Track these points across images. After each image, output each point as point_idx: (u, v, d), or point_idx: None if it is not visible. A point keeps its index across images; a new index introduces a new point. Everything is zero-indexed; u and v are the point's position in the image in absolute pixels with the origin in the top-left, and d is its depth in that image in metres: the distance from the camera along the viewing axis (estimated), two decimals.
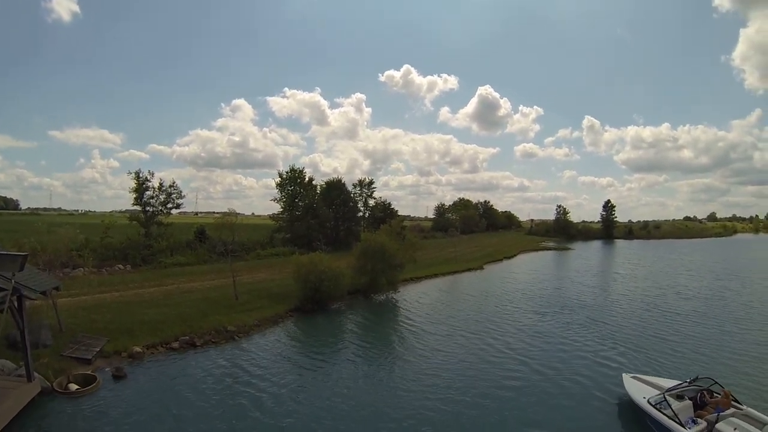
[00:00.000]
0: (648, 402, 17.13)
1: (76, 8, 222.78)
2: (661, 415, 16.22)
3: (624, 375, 20.26)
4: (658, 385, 18.56)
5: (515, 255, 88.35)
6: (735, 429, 14.67)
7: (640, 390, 18.31)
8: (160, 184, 60.30)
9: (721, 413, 15.63)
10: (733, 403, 16.43)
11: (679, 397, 16.95)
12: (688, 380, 17.97)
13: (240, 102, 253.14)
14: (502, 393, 19.81)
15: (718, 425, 15.09)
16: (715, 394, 17.15)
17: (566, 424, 17.05)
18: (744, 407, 16.15)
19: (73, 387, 18.98)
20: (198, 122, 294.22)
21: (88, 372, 20.35)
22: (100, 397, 18.47)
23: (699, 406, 16.71)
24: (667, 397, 16.71)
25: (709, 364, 23.31)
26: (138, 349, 23.52)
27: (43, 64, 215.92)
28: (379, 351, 26.36)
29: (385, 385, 20.75)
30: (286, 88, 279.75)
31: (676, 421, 15.56)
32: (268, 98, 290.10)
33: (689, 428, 15.32)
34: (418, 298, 41.82)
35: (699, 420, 15.74)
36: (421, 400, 18.85)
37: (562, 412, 17.90)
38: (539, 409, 18.13)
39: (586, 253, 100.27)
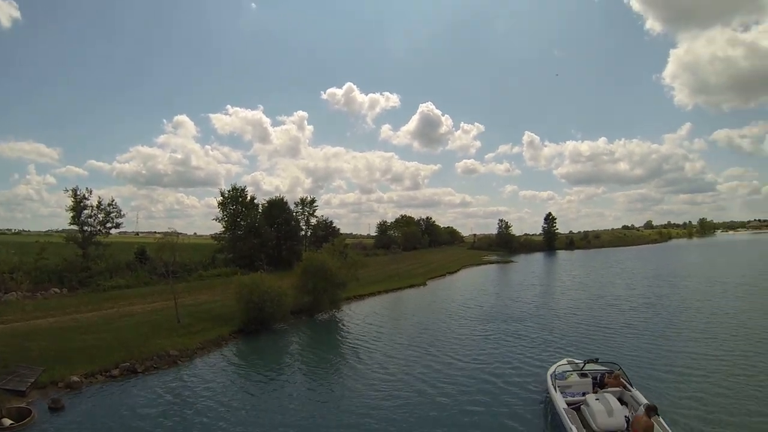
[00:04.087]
0: (550, 375, 19.96)
1: (16, 14, 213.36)
2: (549, 384, 19.23)
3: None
4: (575, 364, 21.27)
5: (458, 270, 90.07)
6: (597, 399, 16.66)
7: (559, 367, 21.07)
8: (99, 202, 58.21)
9: (601, 390, 18.07)
10: (624, 384, 18.57)
11: (583, 375, 19.76)
12: (585, 360, 20.84)
13: (182, 118, 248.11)
14: (443, 401, 20.63)
15: (588, 397, 17.20)
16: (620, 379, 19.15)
17: (502, 421, 18.41)
18: (633, 390, 17.99)
19: (7, 422, 18.31)
20: (139, 138, 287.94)
21: (23, 405, 19.75)
22: None
23: (599, 385, 19.12)
24: (568, 371, 20.05)
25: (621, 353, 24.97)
26: (76, 378, 22.99)
27: None
28: (324, 370, 26.74)
29: (329, 403, 21.08)
30: (228, 105, 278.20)
31: (554, 389, 18.44)
32: (211, 115, 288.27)
33: (565, 397, 17.93)
34: (361, 316, 42.42)
35: (583, 393, 18.19)
36: (365, 416, 19.28)
37: (498, 414, 19.10)
38: (479, 415, 19.07)
39: (529, 266, 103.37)
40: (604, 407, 16.06)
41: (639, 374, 22.02)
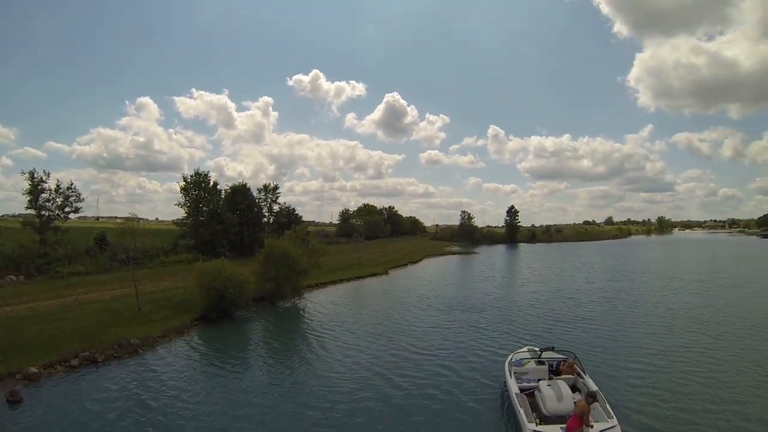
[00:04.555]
0: (508, 362, 20.98)
1: None
2: (506, 370, 20.20)
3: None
4: (534, 351, 22.12)
5: (420, 260, 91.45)
6: (549, 385, 17.62)
7: (517, 354, 22.16)
8: (58, 185, 57.19)
9: (555, 378, 19.02)
10: (578, 371, 19.64)
11: (540, 363, 20.60)
12: (542, 348, 22.07)
13: (145, 100, 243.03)
14: (404, 391, 21.23)
15: (541, 383, 18.16)
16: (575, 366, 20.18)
17: (460, 407, 19.30)
18: (585, 378, 19.00)
19: None
20: (100, 120, 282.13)
21: None
22: None
23: (555, 372, 20.13)
24: (525, 359, 21.00)
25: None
26: (34, 369, 22.82)
27: None
28: (286, 358, 27.12)
29: (291, 393, 21.40)
30: (193, 89, 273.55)
31: (509, 375, 19.50)
32: (175, 98, 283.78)
33: (521, 383, 18.85)
34: (322, 304, 42.98)
35: (539, 380, 19.03)
36: (327, 407, 19.55)
37: (456, 402, 19.92)
38: (439, 403, 19.82)
39: (490, 257, 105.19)
40: (555, 393, 16.96)
41: (593, 364, 23.31)
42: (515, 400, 17.20)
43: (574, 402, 16.11)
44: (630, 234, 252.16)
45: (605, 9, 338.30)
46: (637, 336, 31.04)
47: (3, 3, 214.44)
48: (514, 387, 18.31)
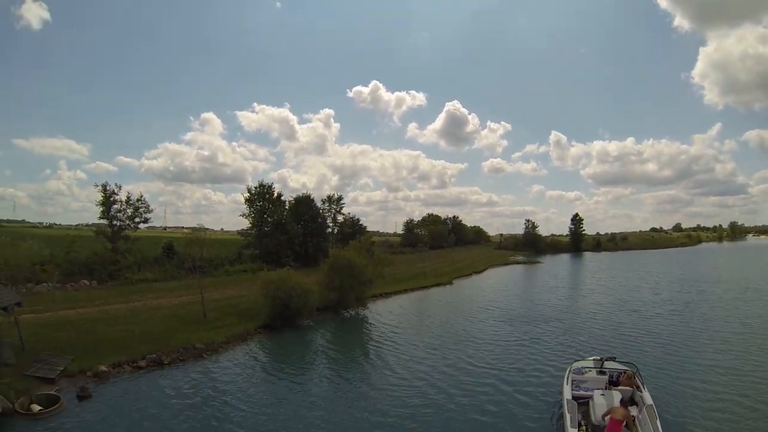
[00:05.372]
0: (569, 370, 20.62)
1: (46, 15, 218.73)
2: (564, 377, 19.89)
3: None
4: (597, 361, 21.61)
5: (484, 270, 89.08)
6: (602, 395, 17.28)
7: (581, 363, 21.87)
8: (128, 197, 59.17)
9: (612, 388, 18.64)
10: (636, 384, 19.00)
11: (601, 373, 20.39)
12: (604, 357, 21.60)
13: (209, 116, 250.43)
14: (466, 401, 20.56)
15: (596, 392, 17.78)
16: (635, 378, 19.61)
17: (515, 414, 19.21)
18: (643, 391, 18.22)
19: (36, 408, 18.56)
20: (166, 135, 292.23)
21: (52, 392, 19.99)
22: (64, 418, 18.16)
23: (615, 383, 19.66)
24: (587, 368, 20.83)
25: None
26: (103, 368, 23.19)
27: (10, 71, 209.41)
28: (347, 368, 26.52)
29: (351, 401, 20.93)
30: (255, 103, 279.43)
31: (566, 382, 19.21)
32: (237, 113, 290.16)
33: (578, 391, 18.77)
34: (387, 314, 42.15)
35: (596, 389, 18.45)
36: (388, 413, 19.16)
37: (513, 409, 19.64)
38: (496, 414, 19.19)
39: (555, 267, 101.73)
40: (607, 403, 16.60)
41: (656, 380, 22.16)
42: (565, 407, 17.02)
43: (613, 408, 15.77)
44: (700, 241, 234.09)
45: (663, 3, 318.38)
46: (707, 353, 28.36)
47: (78, 31, 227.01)
48: (567, 394, 18.17)
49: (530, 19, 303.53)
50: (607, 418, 15.32)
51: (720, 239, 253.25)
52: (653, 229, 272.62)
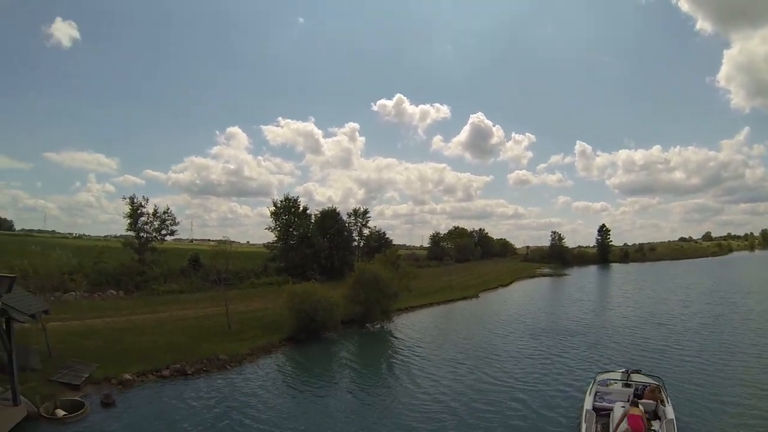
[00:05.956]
0: (593, 381, 20.54)
1: (76, 34, 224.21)
2: (588, 388, 19.94)
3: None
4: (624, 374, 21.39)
5: (510, 282, 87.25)
6: (623, 407, 16.80)
7: (607, 374, 21.77)
8: (155, 210, 60.13)
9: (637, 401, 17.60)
10: (660, 398, 18.59)
11: (627, 385, 20.09)
12: (630, 370, 21.42)
13: (234, 130, 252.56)
14: (491, 416, 20.12)
15: (617, 404, 17.59)
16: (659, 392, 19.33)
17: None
18: (667, 406, 17.90)
19: (61, 413, 18.65)
20: (193, 149, 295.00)
21: (76, 398, 20.06)
22: (87, 424, 18.20)
23: (639, 396, 18.46)
24: (613, 380, 20.71)
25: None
26: (128, 376, 23.18)
27: (41, 87, 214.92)
28: (371, 381, 26.10)
29: (377, 413, 20.62)
30: (280, 117, 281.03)
31: (588, 393, 19.25)
32: (263, 127, 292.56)
33: (601, 402, 18.66)
34: (411, 327, 41.56)
35: (617, 401, 18.17)
36: (412, 427, 18.87)
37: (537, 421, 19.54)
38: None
39: (581, 279, 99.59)
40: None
41: (682, 396, 21.48)
42: (583, 417, 17.08)
43: (652, 429, 15.82)
44: (731, 250, 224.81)
45: (684, 6, 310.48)
46: (737, 369, 26.82)
47: (107, 49, 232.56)
48: (587, 404, 18.17)
49: (550, 28, 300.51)
50: (623, 424, 15.23)
51: (752, 248, 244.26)
52: (682, 239, 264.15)
